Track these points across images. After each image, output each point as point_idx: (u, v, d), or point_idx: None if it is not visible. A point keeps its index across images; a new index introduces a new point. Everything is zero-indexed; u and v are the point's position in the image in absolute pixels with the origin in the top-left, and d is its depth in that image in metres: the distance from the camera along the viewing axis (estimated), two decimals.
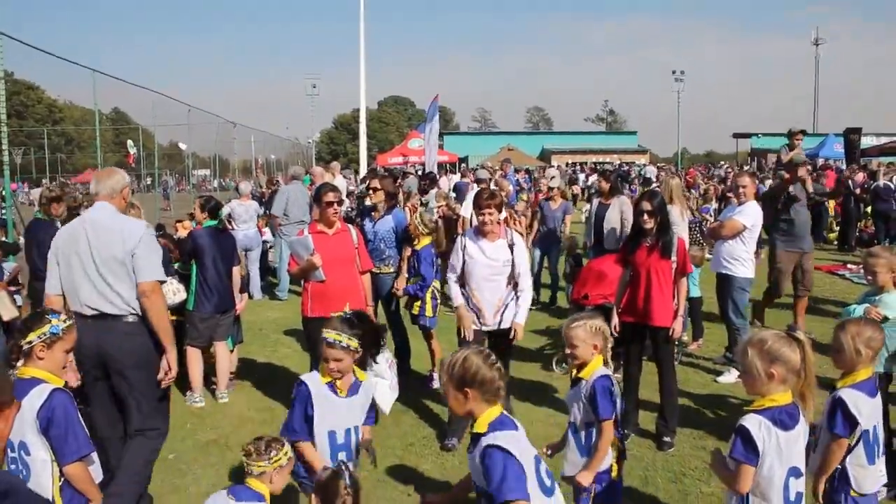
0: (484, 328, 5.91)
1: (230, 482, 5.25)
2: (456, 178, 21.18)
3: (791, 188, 8.85)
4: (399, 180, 18.14)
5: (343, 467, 3.27)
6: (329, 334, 3.77)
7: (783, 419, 3.06)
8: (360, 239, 6.50)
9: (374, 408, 4.11)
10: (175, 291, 6.69)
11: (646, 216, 5.96)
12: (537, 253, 11.41)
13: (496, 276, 5.89)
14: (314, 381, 3.84)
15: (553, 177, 15.05)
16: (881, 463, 3.71)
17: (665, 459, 5.71)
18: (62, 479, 3.56)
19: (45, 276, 4.83)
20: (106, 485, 4.16)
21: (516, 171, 24.06)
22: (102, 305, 4.58)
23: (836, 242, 18.36)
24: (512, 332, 5.83)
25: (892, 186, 17.52)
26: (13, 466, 3.51)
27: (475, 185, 12.90)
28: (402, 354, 7.58)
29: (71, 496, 3.58)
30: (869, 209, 17.79)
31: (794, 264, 8.93)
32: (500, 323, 5.88)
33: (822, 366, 4.21)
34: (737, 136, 60.21)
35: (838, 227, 18.69)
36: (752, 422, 3.08)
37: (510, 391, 5.35)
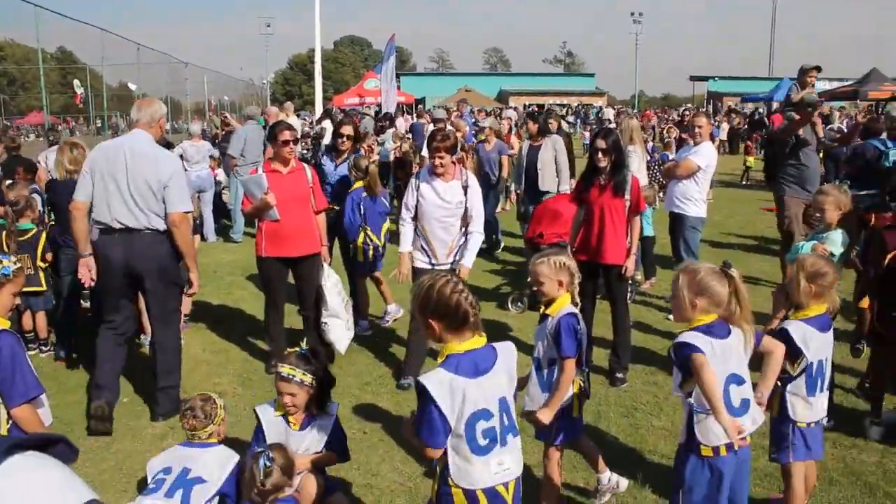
0: (436, 267, 5.89)
1: None
2: (413, 119, 20.96)
3: (801, 131, 8.42)
4: (356, 120, 17.92)
5: (261, 455, 3.35)
6: (284, 368, 3.74)
7: (714, 330, 3.15)
8: (314, 178, 6.38)
9: (344, 445, 4.04)
10: None
11: (600, 154, 5.94)
12: None
13: (449, 218, 5.86)
14: (267, 413, 3.85)
15: (508, 117, 14.97)
16: (822, 397, 3.79)
17: (618, 395, 5.82)
18: (10, 423, 3.50)
19: None
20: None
21: (473, 112, 23.84)
22: (130, 221, 5.16)
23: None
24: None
25: (845, 130, 17.79)
26: None
27: (431, 125, 12.80)
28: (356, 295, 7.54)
29: None
30: (821, 153, 18.02)
31: (802, 210, 8.24)
32: (451, 264, 5.87)
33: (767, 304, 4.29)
34: (693, 79, 60.52)
35: None
36: (685, 335, 3.16)
37: None
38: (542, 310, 4.01)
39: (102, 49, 24.12)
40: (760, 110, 32.06)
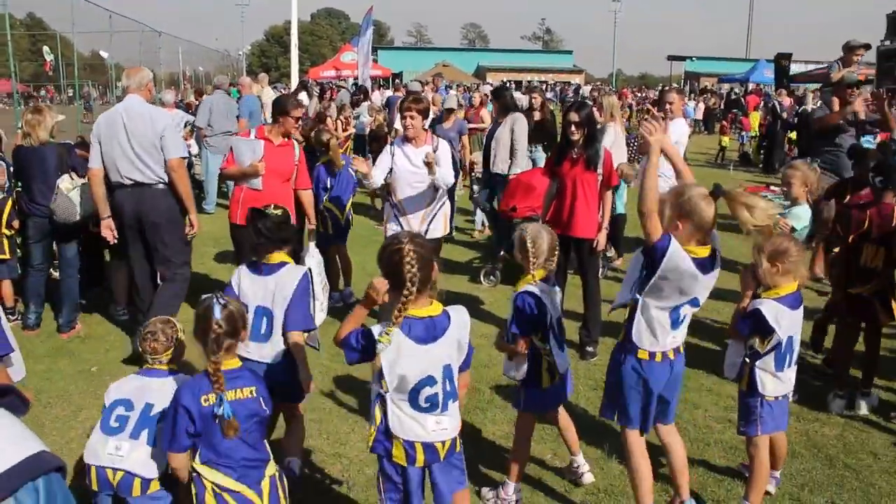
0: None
1: None
2: (389, 92, 20.83)
3: (844, 116, 7.80)
4: (332, 93, 17.78)
5: (216, 299, 3.11)
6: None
7: (700, 263, 3.23)
8: (301, 156, 6.35)
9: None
10: None
11: (573, 127, 5.94)
12: None
13: (420, 183, 5.85)
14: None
15: (484, 93, 14.88)
16: (790, 372, 3.85)
17: (587, 368, 5.87)
18: None
19: None
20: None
21: (448, 87, 23.72)
22: (138, 176, 5.73)
23: (761, 165, 18.81)
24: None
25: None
26: None
27: None
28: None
29: None
30: (794, 133, 18.19)
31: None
32: (426, 232, 5.85)
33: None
34: (671, 58, 60.55)
35: (763, 150, 19.11)
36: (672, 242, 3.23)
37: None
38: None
39: (73, 16, 23.60)
40: (736, 90, 32.30)
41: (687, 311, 3.44)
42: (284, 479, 3.24)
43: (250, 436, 3.07)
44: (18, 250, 6.70)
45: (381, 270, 2.98)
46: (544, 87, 45.83)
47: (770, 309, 3.67)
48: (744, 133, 21.72)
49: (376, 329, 2.90)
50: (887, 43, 27.14)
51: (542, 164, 9.78)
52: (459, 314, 3.06)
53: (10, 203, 6.46)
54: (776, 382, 3.80)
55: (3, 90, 46.36)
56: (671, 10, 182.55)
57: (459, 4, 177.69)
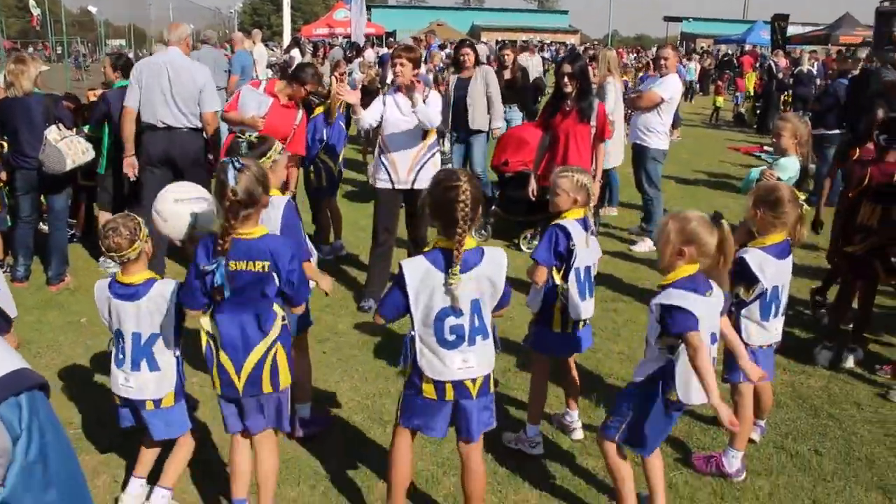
0: (397, 186, 5.85)
1: None
2: (383, 50, 20.63)
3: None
4: (325, 51, 17.59)
5: (231, 163, 2.86)
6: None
7: (699, 286, 3.05)
8: (303, 122, 6.31)
9: None
10: (84, 150, 6.37)
11: (566, 79, 5.89)
12: None
13: (408, 131, 5.76)
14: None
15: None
16: (777, 322, 3.86)
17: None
18: None
19: None
20: None
21: (442, 46, 23.49)
22: (171, 121, 6.26)
23: (755, 126, 18.73)
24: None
25: (815, 72, 17.88)
26: None
27: None
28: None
29: None
30: (789, 94, 18.08)
31: None
32: (414, 181, 5.81)
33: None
34: (668, 19, 60.08)
35: (759, 111, 19.01)
36: (675, 295, 3.02)
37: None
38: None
39: None
40: (730, 51, 32.08)
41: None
42: (282, 359, 3.16)
43: (252, 305, 3.03)
44: (7, 202, 6.65)
45: (428, 205, 2.99)
46: (540, 47, 45.37)
47: (755, 257, 3.67)
48: (738, 94, 21.59)
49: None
50: (886, 3, 26.82)
51: (516, 124, 9.67)
52: (494, 253, 3.03)
53: None
54: (761, 332, 3.81)
55: None
56: None
57: None
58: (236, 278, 2.95)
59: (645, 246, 7.69)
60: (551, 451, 4.09)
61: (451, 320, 2.94)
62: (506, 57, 10.38)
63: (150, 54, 12.53)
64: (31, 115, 6.16)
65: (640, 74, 16.94)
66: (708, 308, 3.04)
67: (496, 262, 3.02)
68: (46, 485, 1.22)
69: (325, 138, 7.07)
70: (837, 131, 9.72)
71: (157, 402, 3.39)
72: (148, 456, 3.59)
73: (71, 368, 5.01)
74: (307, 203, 7.44)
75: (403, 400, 3.17)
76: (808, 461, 4.05)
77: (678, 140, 15.19)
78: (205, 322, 3.09)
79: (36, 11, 30.34)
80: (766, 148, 14.83)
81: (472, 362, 3.01)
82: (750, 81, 21.20)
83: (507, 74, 10.03)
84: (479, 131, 8.26)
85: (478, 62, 8.40)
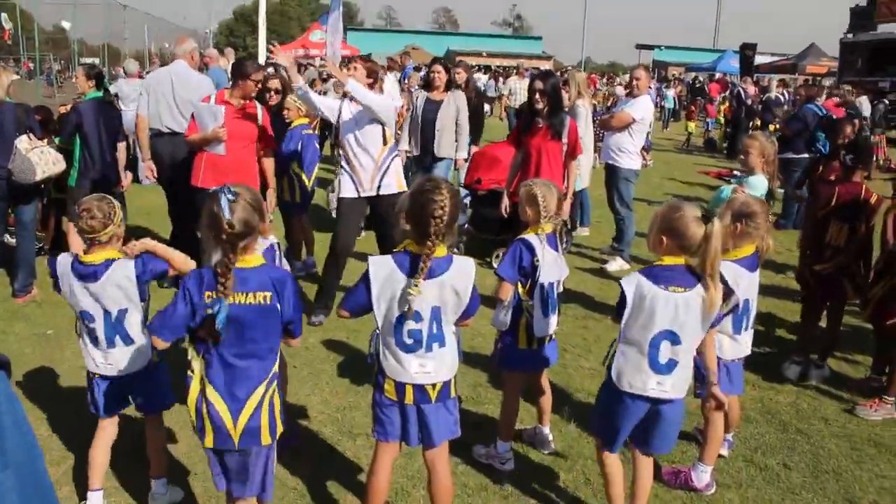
0: (362, 194, 5.85)
1: None
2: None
3: None
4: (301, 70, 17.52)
5: (223, 194, 2.69)
6: None
7: (669, 278, 3.04)
8: (265, 117, 6.27)
9: None
10: (54, 161, 6.31)
11: (538, 96, 5.95)
12: None
13: (366, 132, 5.71)
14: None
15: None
16: (747, 335, 3.89)
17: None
18: None
19: None
20: None
21: (416, 68, 23.56)
22: (175, 126, 6.80)
23: (725, 151, 19.00)
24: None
25: (782, 99, 18.25)
26: None
27: None
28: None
29: None
30: (759, 121, 18.39)
31: None
32: (379, 188, 5.80)
33: None
34: (640, 47, 60.80)
35: (728, 137, 19.30)
36: (631, 275, 3.15)
37: None
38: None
39: None
40: (700, 79, 32.59)
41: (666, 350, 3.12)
42: (277, 401, 2.94)
43: (255, 342, 2.79)
44: None
45: (405, 208, 2.96)
46: (514, 71, 45.72)
47: (729, 270, 3.69)
48: (709, 120, 21.91)
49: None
50: (850, 36, 27.45)
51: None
52: (462, 263, 3.01)
53: None
54: (734, 345, 3.84)
55: None
56: (641, 0, 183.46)
57: None
58: (235, 312, 2.72)
59: (616, 265, 7.75)
60: (523, 464, 4.08)
61: (410, 324, 2.95)
62: (457, 76, 9.18)
63: (125, 71, 12.47)
64: (1, 124, 6.07)
65: (609, 103, 17.13)
66: (670, 302, 3.03)
67: (463, 272, 3.00)
68: (2, 466, 1.20)
69: (298, 152, 6.99)
70: (806, 155, 9.89)
71: (141, 374, 3.41)
72: (99, 460, 3.52)
73: (35, 380, 4.93)
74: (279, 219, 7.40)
75: (374, 412, 3.16)
76: (776, 474, 4.08)
77: (651, 165, 15.38)
78: (196, 366, 2.82)
79: (8, 26, 30.04)
80: (735, 172, 15.02)
81: (430, 368, 3.01)
82: (720, 108, 21.53)
83: None
84: (443, 158, 7.96)
85: (450, 85, 8.03)
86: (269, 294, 2.77)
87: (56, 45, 40.98)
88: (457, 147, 8.01)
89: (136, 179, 8.66)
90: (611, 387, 3.22)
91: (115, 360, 3.37)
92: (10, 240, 7.05)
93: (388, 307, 2.95)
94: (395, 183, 5.83)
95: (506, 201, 6.31)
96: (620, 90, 17.60)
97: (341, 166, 5.98)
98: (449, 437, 3.18)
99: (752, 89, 20.41)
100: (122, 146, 7.05)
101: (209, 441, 2.86)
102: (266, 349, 2.85)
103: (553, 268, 3.80)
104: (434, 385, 3.04)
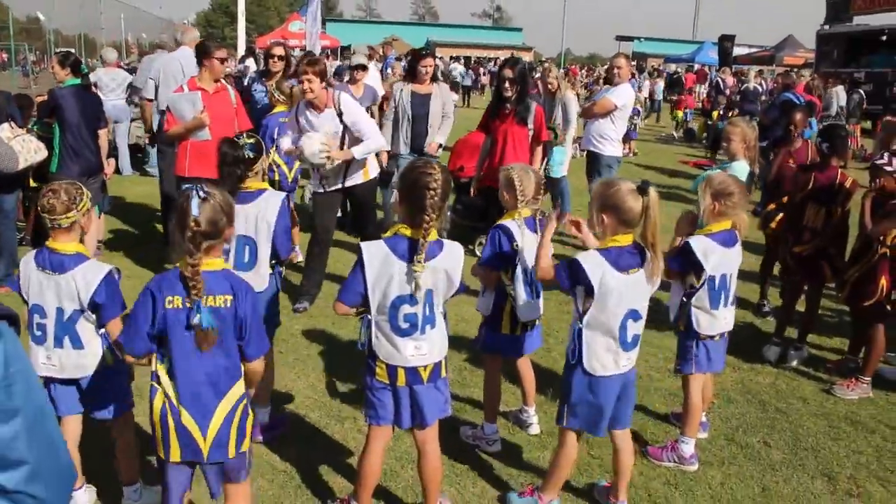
0: (328, 189, 5.88)
1: None
2: (338, 62, 20.60)
3: None
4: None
5: (195, 190, 2.68)
6: None
7: (620, 260, 3.11)
8: (238, 98, 6.28)
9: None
10: (36, 149, 6.25)
11: (507, 83, 6.07)
12: None
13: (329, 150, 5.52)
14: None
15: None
16: (726, 311, 3.95)
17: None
18: None
19: None
20: None
21: (398, 58, 23.52)
22: None
23: (704, 140, 19.15)
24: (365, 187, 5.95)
25: (760, 90, 18.45)
26: None
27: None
28: None
29: None
30: (736, 111, 18.55)
31: None
32: (344, 181, 5.85)
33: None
34: (620, 38, 60.98)
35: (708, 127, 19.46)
36: (585, 257, 3.16)
37: None
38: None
39: None
40: (679, 70, 32.82)
41: (632, 328, 3.24)
42: (249, 414, 2.86)
43: (218, 347, 2.70)
44: None
45: (398, 188, 3.04)
46: (492, 63, 45.76)
47: (699, 243, 3.75)
48: (688, 110, 22.05)
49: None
50: (826, 27, 27.72)
51: None
52: (452, 247, 3.06)
53: None
54: (711, 320, 3.89)
55: None
56: None
57: None
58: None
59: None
60: (509, 445, 4.14)
61: (405, 308, 2.97)
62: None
63: (102, 60, 12.35)
64: None
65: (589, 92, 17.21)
66: (627, 284, 3.12)
67: (454, 256, 3.06)
68: (9, 415, 1.21)
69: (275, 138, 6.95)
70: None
71: (92, 380, 3.24)
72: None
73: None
74: None
75: (366, 396, 3.19)
76: (757, 452, 4.17)
77: (633, 155, 15.49)
78: (163, 375, 2.73)
79: None
80: (714, 163, 15.17)
81: (425, 350, 3.06)
82: (698, 98, 21.67)
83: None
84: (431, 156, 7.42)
85: (435, 77, 7.68)
86: (228, 297, 2.70)
87: (31, 35, 40.52)
88: (438, 133, 7.52)
89: (116, 170, 8.64)
90: (585, 376, 3.25)
91: (58, 362, 3.20)
92: None
93: (383, 292, 2.97)
94: (360, 174, 5.86)
95: (473, 184, 6.53)
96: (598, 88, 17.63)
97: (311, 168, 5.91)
98: (440, 416, 3.22)
99: (730, 80, 20.62)
100: (103, 133, 6.96)
101: (176, 455, 2.75)
102: (231, 356, 2.76)
103: (533, 251, 3.83)
104: (426, 366, 3.08)
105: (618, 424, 3.42)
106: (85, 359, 3.23)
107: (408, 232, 2.97)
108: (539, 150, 6.33)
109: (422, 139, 7.34)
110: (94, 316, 3.20)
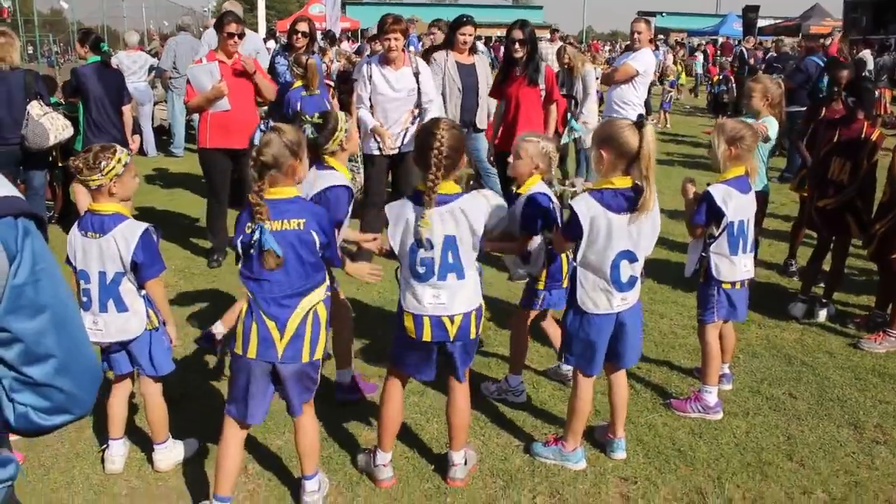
0: (385, 153, 5.94)
1: None
2: (359, 44, 20.61)
3: None
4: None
5: (260, 125, 3.09)
6: None
7: (612, 201, 3.16)
8: (259, 67, 6.34)
9: None
10: (64, 126, 6.35)
11: (517, 45, 6.07)
12: None
13: (401, 107, 5.86)
14: None
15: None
16: (746, 258, 3.94)
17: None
18: None
19: None
20: None
21: (420, 37, 23.45)
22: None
23: (729, 112, 18.93)
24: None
25: (793, 54, 18.13)
26: None
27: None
28: None
29: None
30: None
31: None
32: (401, 147, 5.93)
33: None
34: (641, 13, 60.35)
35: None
36: (578, 201, 3.22)
37: None
38: (514, 190, 3.94)
39: None
40: (703, 42, 32.44)
41: (626, 268, 3.27)
42: (321, 325, 3.02)
43: (294, 268, 2.90)
44: None
45: (414, 149, 3.20)
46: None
47: (718, 191, 3.78)
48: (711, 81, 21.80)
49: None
50: None
51: None
52: (473, 196, 3.14)
53: None
54: (731, 267, 3.89)
55: None
56: None
57: None
58: (279, 239, 2.86)
59: None
60: (532, 399, 4.19)
61: (421, 252, 3.06)
62: (433, 36, 9.27)
63: (125, 43, 12.47)
64: (11, 90, 6.09)
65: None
66: (616, 225, 3.17)
67: (474, 202, 3.09)
68: (36, 310, 1.25)
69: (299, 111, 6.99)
70: (799, 109, 9.86)
71: (138, 341, 3.32)
72: (116, 412, 3.51)
73: None
74: None
75: (393, 343, 3.31)
76: (782, 403, 4.16)
77: (667, 127, 15.44)
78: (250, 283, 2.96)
79: (7, 4, 29.83)
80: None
81: (444, 299, 3.08)
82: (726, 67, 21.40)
83: None
84: (482, 130, 6.99)
85: (473, 48, 7.10)
86: (302, 221, 2.90)
87: (54, 27, 40.77)
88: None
89: (141, 151, 8.73)
90: (578, 313, 3.34)
91: (104, 326, 3.25)
92: None
93: (401, 239, 3.09)
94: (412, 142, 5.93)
95: (490, 149, 6.62)
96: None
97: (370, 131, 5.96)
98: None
99: (756, 51, 20.31)
100: (127, 109, 7.02)
101: (252, 351, 2.93)
102: (306, 274, 2.94)
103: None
104: (452, 319, 3.10)
105: (619, 362, 3.50)
106: (129, 322, 3.27)
107: (422, 187, 3.06)
108: (553, 109, 6.32)
109: (471, 113, 6.69)
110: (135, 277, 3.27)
